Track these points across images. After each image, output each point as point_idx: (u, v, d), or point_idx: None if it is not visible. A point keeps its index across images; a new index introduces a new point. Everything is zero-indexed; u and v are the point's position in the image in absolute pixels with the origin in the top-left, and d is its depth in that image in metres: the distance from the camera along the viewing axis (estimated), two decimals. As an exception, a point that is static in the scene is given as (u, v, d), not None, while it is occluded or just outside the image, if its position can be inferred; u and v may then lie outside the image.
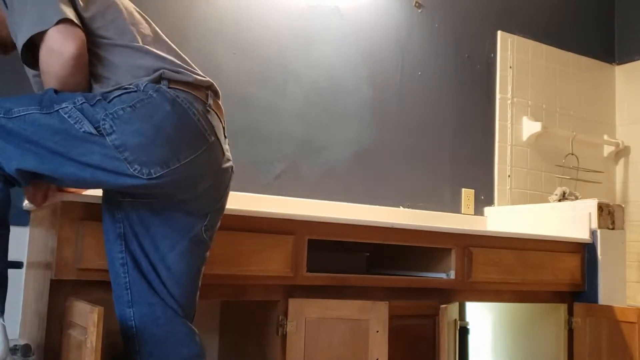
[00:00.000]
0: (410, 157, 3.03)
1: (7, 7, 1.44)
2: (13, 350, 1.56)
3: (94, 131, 1.35)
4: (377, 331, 1.97)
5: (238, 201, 2.45)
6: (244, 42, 2.65)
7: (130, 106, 1.37)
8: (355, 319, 1.96)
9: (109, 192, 1.51)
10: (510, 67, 3.40)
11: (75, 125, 1.35)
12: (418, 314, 2.24)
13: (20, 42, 1.40)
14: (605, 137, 3.75)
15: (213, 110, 1.51)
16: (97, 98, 1.38)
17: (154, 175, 1.38)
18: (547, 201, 3.17)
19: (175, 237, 1.49)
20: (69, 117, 1.36)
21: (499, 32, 3.39)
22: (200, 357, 1.53)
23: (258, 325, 2.06)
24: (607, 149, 3.75)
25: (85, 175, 1.38)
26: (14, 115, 1.36)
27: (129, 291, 1.48)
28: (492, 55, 3.36)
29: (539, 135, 3.41)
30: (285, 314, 1.93)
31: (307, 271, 1.99)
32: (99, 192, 1.74)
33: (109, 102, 1.37)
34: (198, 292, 1.59)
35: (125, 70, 1.44)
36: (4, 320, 1.37)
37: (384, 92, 2.99)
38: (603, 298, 2.64)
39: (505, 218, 3.12)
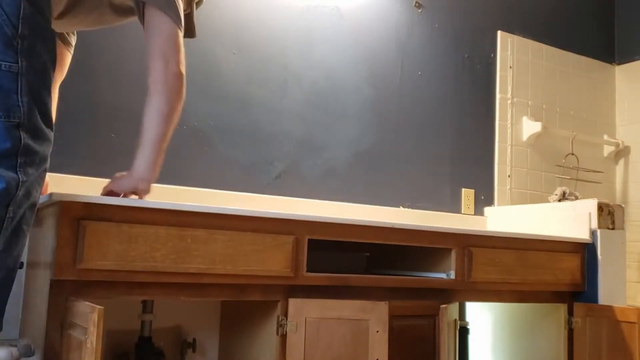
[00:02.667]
0: (410, 157, 3.03)
1: None
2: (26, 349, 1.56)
3: None
4: (377, 331, 1.97)
5: (238, 201, 2.46)
6: (244, 42, 2.65)
7: None
8: (355, 319, 1.96)
9: None
10: (510, 67, 3.40)
11: None
12: (418, 314, 2.23)
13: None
14: (605, 137, 3.75)
15: None
16: None
17: None
18: (547, 201, 3.17)
19: None
20: None
21: (499, 32, 3.39)
22: None
23: (258, 325, 2.06)
24: (607, 149, 3.75)
25: None
26: None
27: None
28: (492, 55, 3.36)
29: (539, 135, 3.41)
30: (285, 314, 1.93)
31: (307, 271, 1.99)
32: (98, 192, 1.74)
33: None
34: None
35: None
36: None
37: (384, 92, 2.99)
38: (603, 298, 2.64)
39: (505, 218, 3.12)
